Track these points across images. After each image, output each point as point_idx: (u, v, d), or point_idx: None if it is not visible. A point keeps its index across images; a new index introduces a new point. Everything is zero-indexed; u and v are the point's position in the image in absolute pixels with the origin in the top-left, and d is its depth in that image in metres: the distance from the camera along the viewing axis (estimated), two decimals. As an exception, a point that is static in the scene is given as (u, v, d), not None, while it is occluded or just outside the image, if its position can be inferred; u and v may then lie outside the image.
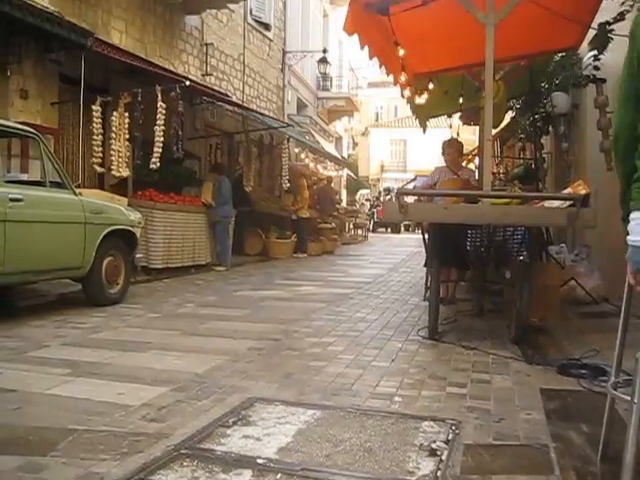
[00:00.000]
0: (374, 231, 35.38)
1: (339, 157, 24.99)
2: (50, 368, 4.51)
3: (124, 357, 4.96)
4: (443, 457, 2.96)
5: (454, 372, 4.63)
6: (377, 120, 57.84)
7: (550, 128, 11.49)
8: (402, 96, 8.82)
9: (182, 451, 2.98)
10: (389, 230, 36.93)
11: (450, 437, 3.22)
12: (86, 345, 5.35)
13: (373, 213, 36.48)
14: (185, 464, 2.84)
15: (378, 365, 4.82)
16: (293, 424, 3.38)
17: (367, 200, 41.46)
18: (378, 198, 38.68)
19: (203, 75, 14.74)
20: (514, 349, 5.37)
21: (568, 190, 5.27)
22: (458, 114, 12.11)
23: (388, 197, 29.42)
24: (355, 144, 48.62)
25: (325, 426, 3.36)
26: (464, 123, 12.69)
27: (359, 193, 41.72)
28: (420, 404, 3.82)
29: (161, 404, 3.72)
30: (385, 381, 4.36)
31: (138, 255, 8.39)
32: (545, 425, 3.45)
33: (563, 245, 9.42)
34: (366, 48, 6.42)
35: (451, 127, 13.38)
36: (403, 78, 7.20)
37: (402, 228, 36.64)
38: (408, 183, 29.78)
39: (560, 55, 9.87)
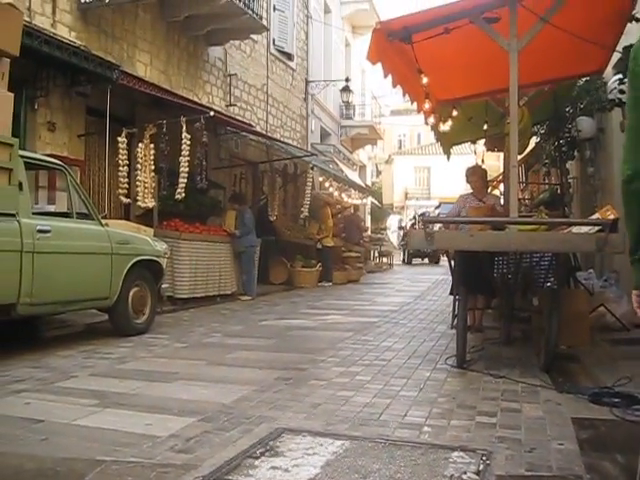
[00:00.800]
0: (409, 262, 31.42)
1: (363, 185, 25.02)
2: (78, 399, 4.52)
3: (151, 387, 4.96)
4: (475, 489, 2.90)
5: (483, 401, 4.57)
6: (400, 147, 58.02)
7: (575, 153, 11.44)
8: (426, 123, 8.82)
9: (210, 483, 2.95)
10: (426, 260, 31.55)
11: (481, 468, 3.16)
12: (113, 375, 5.36)
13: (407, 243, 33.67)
14: (213, 496, 2.81)
15: (406, 394, 4.77)
16: (321, 455, 3.34)
17: (400, 228, 38.68)
18: (414, 225, 34.30)
19: (227, 105, 14.88)
20: (544, 377, 5.28)
21: (596, 215, 5.22)
22: (482, 140, 12.09)
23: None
24: (379, 172, 48.72)
25: (353, 457, 3.31)
26: (488, 149, 12.66)
27: (389, 219, 41.01)
28: (450, 434, 3.76)
29: (189, 435, 3.70)
30: (414, 411, 4.30)
31: (164, 285, 8.42)
32: (578, 455, 3.38)
33: (591, 271, 9.30)
34: (389, 76, 6.45)
35: (475, 153, 13.37)
36: (427, 105, 7.20)
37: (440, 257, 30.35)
38: (435, 209, 29.81)
39: (584, 79, 9.84)
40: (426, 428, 3.89)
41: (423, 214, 29.34)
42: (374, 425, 3.95)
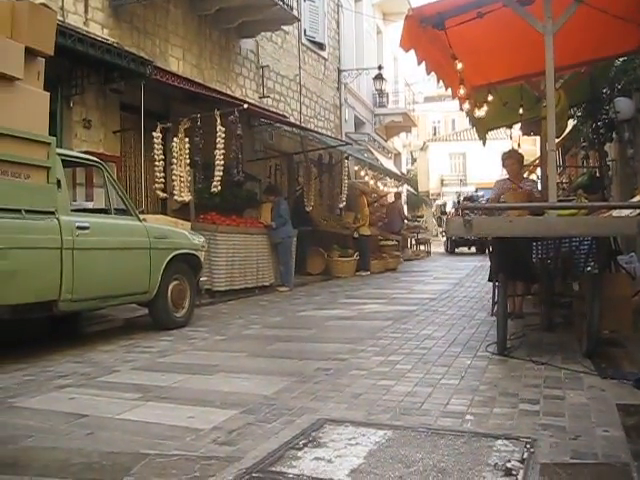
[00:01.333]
0: (452, 251, 28.82)
1: (398, 173, 24.91)
2: (120, 393, 4.58)
3: (192, 380, 5.00)
4: (519, 477, 2.87)
5: (525, 388, 4.52)
6: (435, 134, 57.66)
7: (614, 135, 11.23)
8: (461, 109, 8.73)
9: (254, 474, 2.97)
10: (473, 249, 27.94)
11: (525, 456, 3.12)
12: (155, 369, 5.42)
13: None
14: (257, 488, 2.83)
15: (447, 383, 4.74)
16: (364, 445, 3.34)
17: (442, 213, 35.25)
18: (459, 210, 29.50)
19: (260, 97, 14.91)
20: (586, 363, 5.20)
21: (637, 198, 5.12)
22: (518, 125, 11.94)
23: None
24: (414, 159, 48.49)
25: (396, 447, 3.30)
26: (524, 134, 12.50)
27: (435, 204, 40.12)
28: (492, 422, 3.73)
29: (231, 427, 3.72)
30: (455, 399, 4.27)
31: (202, 278, 8.48)
32: (625, 442, 3.32)
33: (633, 254, 9.14)
34: (423, 63, 6.39)
35: (511, 138, 13.19)
36: (462, 91, 7.12)
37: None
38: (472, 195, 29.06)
39: (622, 59, 9.65)
40: (468, 416, 3.86)
41: (470, 197, 27.36)
42: (416, 414, 3.94)
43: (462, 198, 30.28)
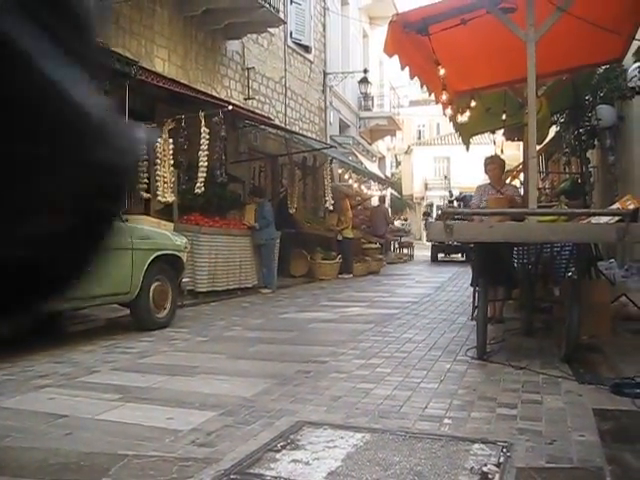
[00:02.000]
0: (435, 260, 24.66)
1: (382, 177, 24.97)
2: (100, 393, 4.57)
3: (172, 381, 5.00)
4: (495, 481, 2.91)
5: (504, 393, 4.56)
6: (420, 138, 57.84)
7: (596, 141, 11.35)
8: (444, 114, 8.80)
9: (232, 476, 2.98)
10: (464, 256, 22.81)
11: (501, 460, 3.16)
12: (135, 370, 5.41)
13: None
14: (234, 490, 2.84)
15: (427, 387, 4.77)
16: (342, 448, 3.36)
17: (426, 214, 32.50)
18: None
19: (245, 99, 14.91)
20: (565, 368, 5.25)
21: (617, 205, 5.18)
22: (502, 130, 12.03)
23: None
24: (398, 163, 48.61)
25: (374, 450, 3.33)
26: (508, 139, 12.59)
27: (424, 204, 40.03)
28: (470, 426, 3.77)
29: (210, 429, 3.73)
30: (434, 403, 4.30)
31: (185, 279, 8.47)
32: (599, 447, 3.37)
33: (613, 261, 9.25)
34: (407, 69, 6.44)
35: (495, 143, 13.27)
36: (445, 97, 7.18)
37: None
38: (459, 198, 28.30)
39: (604, 67, 9.76)
40: (446, 420, 3.90)
41: (463, 197, 24.06)
42: (394, 418, 3.96)
43: (454, 198, 27.86)
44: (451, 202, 27.44)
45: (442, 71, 6.56)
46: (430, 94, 7.85)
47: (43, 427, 3.77)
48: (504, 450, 3.30)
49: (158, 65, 11.43)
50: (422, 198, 51.71)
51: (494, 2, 5.62)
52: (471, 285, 7.74)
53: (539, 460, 3.19)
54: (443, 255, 24.95)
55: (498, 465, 3.09)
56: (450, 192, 30.17)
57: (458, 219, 5.48)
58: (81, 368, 5.46)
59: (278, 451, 3.32)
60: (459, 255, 24.04)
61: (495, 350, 6.07)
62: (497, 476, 2.95)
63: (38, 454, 3.31)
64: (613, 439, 3.49)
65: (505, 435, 3.56)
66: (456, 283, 14.50)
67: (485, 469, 3.04)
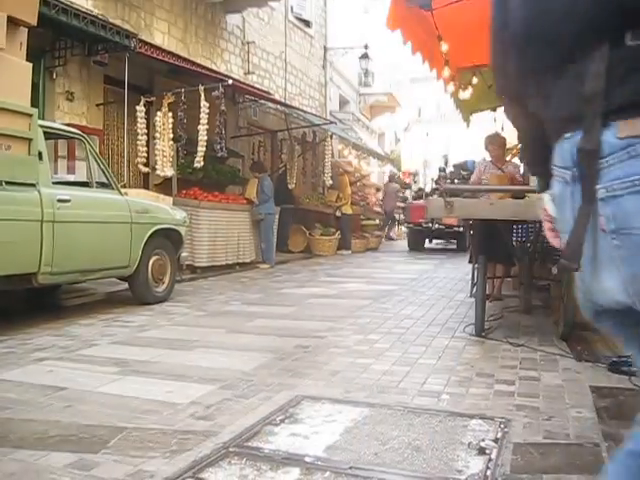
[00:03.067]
0: (417, 248, 18.22)
1: (382, 153, 24.88)
2: (99, 366, 4.58)
3: (171, 355, 5.01)
4: (492, 456, 2.92)
5: (502, 369, 4.57)
6: (420, 115, 57.51)
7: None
8: (445, 91, 8.74)
9: (230, 449, 2.99)
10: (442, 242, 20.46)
11: (499, 435, 3.17)
12: (134, 343, 5.42)
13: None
14: (233, 462, 2.85)
15: (425, 362, 4.79)
16: (340, 422, 3.37)
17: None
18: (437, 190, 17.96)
19: (245, 73, 14.82)
20: (562, 346, 5.28)
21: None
22: (502, 108, 11.96)
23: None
24: (398, 140, 48.40)
25: (372, 424, 3.34)
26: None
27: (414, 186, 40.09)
28: (468, 402, 3.78)
29: (209, 402, 3.74)
30: (432, 379, 4.32)
31: (183, 254, 8.47)
32: (596, 423, 3.38)
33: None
34: (409, 44, 6.38)
35: (495, 121, 13.20)
36: (447, 73, 7.13)
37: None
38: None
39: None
40: (445, 396, 3.91)
41: (462, 165, 18.35)
42: (393, 393, 3.98)
43: (451, 166, 22.75)
44: (443, 171, 22.15)
45: (445, 46, 6.52)
46: (432, 70, 7.79)
47: (42, 399, 3.78)
48: (502, 426, 3.31)
49: (158, 38, 11.33)
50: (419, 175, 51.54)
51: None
52: (469, 262, 7.73)
53: (536, 436, 3.21)
54: (429, 242, 19.39)
55: (496, 440, 3.10)
56: (445, 159, 25.08)
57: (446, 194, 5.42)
58: (80, 341, 5.46)
59: (277, 425, 3.33)
60: (450, 241, 19.65)
61: (493, 327, 6.09)
62: (495, 451, 2.97)
63: (38, 426, 3.32)
64: (609, 416, 3.51)
65: (503, 411, 3.58)
66: (454, 260, 14.52)
67: (483, 444, 3.05)
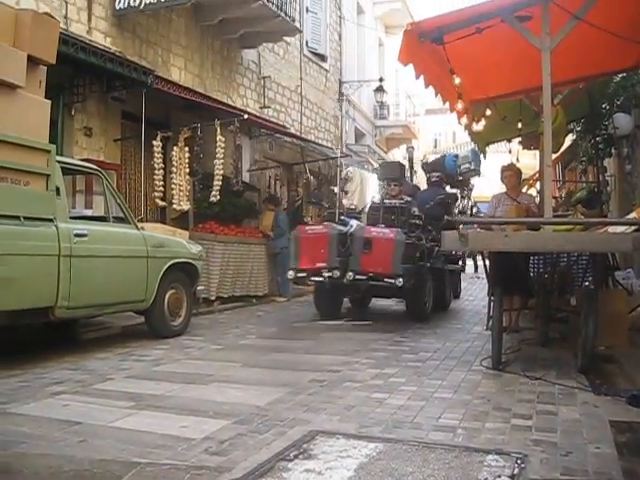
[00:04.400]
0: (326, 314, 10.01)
1: (398, 185, 24.86)
2: (114, 401, 4.58)
3: (186, 389, 5.00)
4: (509, 492, 2.88)
5: (519, 403, 4.53)
6: (436, 147, 57.59)
7: (613, 150, 11.26)
8: (459, 123, 8.78)
9: (243, 485, 2.97)
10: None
11: (516, 472, 3.13)
12: (149, 378, 5.42)
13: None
14: (247, 499, 2.83)
15: (441, 396, 4.75)
16: (355, 458, 3.34)
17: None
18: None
19: (261, 108, 14.93)
20: (581, 379, 5.22)
21: (633, 214, 5.14)
22: (518, 138, 11.97)
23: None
24: (415, 171, 48.50)
25: (387, 460, 3.31)
26: (524, 147, 12.53)
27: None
28: (484, 437, 3.74)
29: (223, 437, 3.73)
30: (448, 413, 4.28)
31: (200, 287, 8.48)
32: (616, 460, 3.34)
33: (630, 270, 9.15)
34: (421, 77, 6.43)
35: (510, 152, 13.21)
36: (460, 106, 7.16)
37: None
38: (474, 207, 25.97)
39: (620, 75, 9.69)
40: (460, 431, 3.87)
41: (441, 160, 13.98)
42: (408, 427, 3.95)
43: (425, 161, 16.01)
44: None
45: (457, 80, 6.55)
46: (445, 103, 7.83)
47: (57, 434, 3.78)
48: (518, 461, 3.27)
49: (174, 74, 11.48)
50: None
51: (509, 11, 5.60)
52: (488, 295, 7.67)
53: (554, 472, 3.17)
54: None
55: (512, 477, 3.07)
56: (410, 154, 20.37)
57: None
58: (95, 375, 5.47)
59: (290, 460, 3.31)
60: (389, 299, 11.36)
61: (510, 360, 6.04)
62: (511, 487, 2.93)
63: (52, 461, 3.32)
64: (629, 452, 3.46)
65: (520, 446, 3.54)
66: (471, 292, 14.42)
67: (499, 480, 3.01)
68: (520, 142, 12.08)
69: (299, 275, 8.95)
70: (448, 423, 4.04)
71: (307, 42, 17.92)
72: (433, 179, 11.19)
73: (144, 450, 3.48)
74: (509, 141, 12.91)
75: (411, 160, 14.37)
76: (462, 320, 9.45)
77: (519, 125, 9.87)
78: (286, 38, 15.31)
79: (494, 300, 6.18)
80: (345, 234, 8.74)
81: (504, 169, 7.79)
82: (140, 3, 9.95)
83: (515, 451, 3.43)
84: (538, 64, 5.56)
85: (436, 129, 56.92)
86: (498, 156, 17.61)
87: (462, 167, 11.39)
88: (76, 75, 9.09)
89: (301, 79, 17.42)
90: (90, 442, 3.64)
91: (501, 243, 5.22)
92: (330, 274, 8.47)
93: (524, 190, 9.58)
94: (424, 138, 49.61)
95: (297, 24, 14.75)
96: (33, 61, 5.74)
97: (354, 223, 9.12)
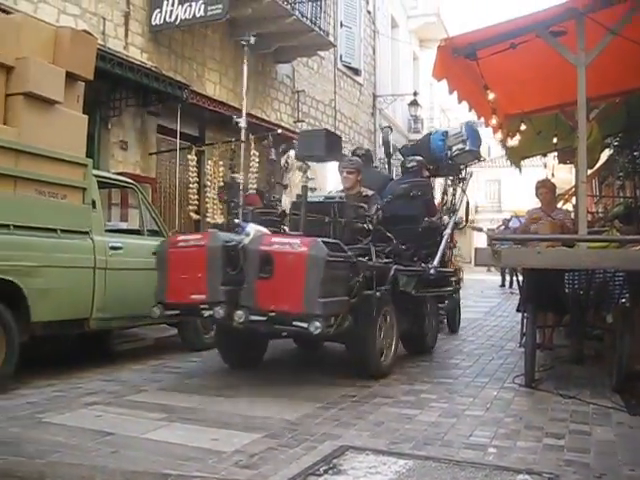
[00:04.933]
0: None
1: (431, 199, 24.77)
2: (146, 412, 4.62)
3: (218, 402, 5.02)
4: (540, 513, 2.85)
5: (551, 422, 4.47)
6: (470, 161, 57.30)
7: (651, 165, 11.10)
8: (494, 138, 8.74)
9: (273, 500, 2.98)
10: None
11: (547, 492, 3.10)
12: (181, 390, 5.46)
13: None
14: (275, 514, 2.84)
15: (472, 414, 4.71)
16: (384, 474, 3.33)
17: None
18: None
19: (295, 122, 15.03)
20: (616, 398, 5.13)
21: (670, 231, 5.07)
22: (553, 153, 11.87)
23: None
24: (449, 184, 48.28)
25: (417, 477, 3.30)
26: (560, 162, 12.40)
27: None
28: (515, 456, 3.70)
29: (253, 451, 3.74)
30: (479, 431, 4.25)
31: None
32: (650, 481, 3.28)
33: (668, 287, 9.00)
34: (455, 93, 6.43)
35: (545, 166, 13.08)
36: (494, 121, 7.14)
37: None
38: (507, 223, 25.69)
39: (659, 89, 9.57)
40: (491, 449, 3.84)
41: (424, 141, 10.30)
42: (438, 445, 3.92)
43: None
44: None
45: (491, 95, 6.54)
46: (479, 118, 7.82)
47: (90, 444, 3.82)
48: (550, 481, 3.23)
49: (209, 88, 11.61)
50: (472, 221, 51.09)
51: (544, 26, 5.58)
52: (517, 311, 7.59)
53: (586, 493, 3.13)
54: None
55: (543, 497, 3.03)
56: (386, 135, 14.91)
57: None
58: (129, 387, 5.52)
59: (320, 475, 3.31)
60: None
61: (544, 378, 5.97)
62: (542, 508, 2.89)
63: (84, 471, 3.36)
64: (665, 474, 3.40)
65: (551, 466, 3.49)
66: (505, 308, 14.28)
67: (530, 500, 2.97)
68: (557, 156, 11.97)
69: (168, 313, 5.75)
70: (479, 441, 4.00)
71: (341, 56, 18.01)
72: (409, 165, 8.01)
73: (175, 462, 3.50)
74: (544, 155, 12.82)
75: (387, 144, 10.09)
76: (495, 336, 9.35)
77: (554, 140, 9.79)
78: (320, 52, 15.42)
79: (527, 316, 6.13)
80: (236, 248, 5.44)
81: (538, 186, 7.71)
82: (176, 19, 10.11)
83: (547, 471, 3.39)
84: (573, 78, 5.53)
85: (471, 143, 56.67)
86: (533, 170, 17.51)
87: (454, 148, 8.21)
88: (113, 90, 9.25)
89: (335, 93, 17.51)
90: (122, 453, 3.67)
91: (534, 260, 5.18)
92: (211, 312, 5.32)
93: (560, 205, 9.47)
94: (458, 152, 49.37)
95: (331, 38, 14.88)
96: (71, 77, 5.88)
97: (251, 229, 5.72)
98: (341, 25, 17.74)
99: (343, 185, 7.25)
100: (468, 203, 8.55)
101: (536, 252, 5.27)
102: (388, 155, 9.93)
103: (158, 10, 10.20)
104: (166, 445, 3.86)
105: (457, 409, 4.85)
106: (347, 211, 6.38)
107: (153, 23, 10.17)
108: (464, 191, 8.30)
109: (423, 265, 6.94)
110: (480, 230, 11.84)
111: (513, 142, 8.83)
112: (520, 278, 6.97)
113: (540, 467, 3.47)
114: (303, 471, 3.37)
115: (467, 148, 7.98)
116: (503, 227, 12.96)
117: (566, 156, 11.10)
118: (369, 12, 20.43)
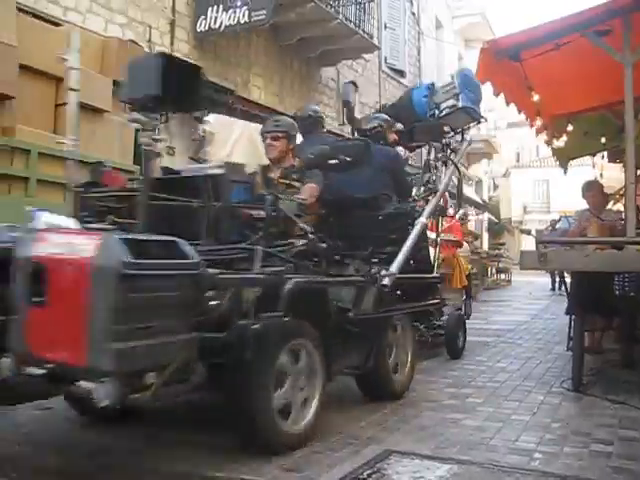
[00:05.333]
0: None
1: (479, 201, 24.62)
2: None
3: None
4: (586, 520, 2.82)
5: (599, 428, 4.41)
6: (518, 161, 56.69)
7: None
8: (537, 138, 8.66)
9: (316, 504, 3.00)
10: None
11: (594, 499, 3.06)
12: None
13: None
14: (319, 518, 2.86)
15: (518, 419, 4.67)
16: (428, 479, 3.33)
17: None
18: None
19: (340, 125, 15.04)
20: (666, 404, 5.04)
21: None
22: (602, 153, 11.67)
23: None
24: (496, 186, 47.82)
25: (461, 482, 3.29)
26: (610, 161, 12.18)
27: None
28: (562, 462, 3.66)
29: (298, 454, 3.76)
30: (525, 436, 4.21)
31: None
32: (702, 490, 3.22)
33: None
34: (501, 94, 6.38)
35: (594, 166, 12.83)
36: (539, 122, 7.06)
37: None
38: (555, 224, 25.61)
39: None
40: (537, 455, 3.81)
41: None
42: (483, 450, 3.90)
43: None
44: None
45: (536, 97, 6.47)
46: (527, 119, 7.75)
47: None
48: (597, 488, 3.19)
49: (254, 93, 11.72)
50: (520, 222, 50.47)
51: (588, 25, 5.50)
52: (566, 314, 7.49)
53: (634, 501, 3.08)
54: None
55: (590, 504, 2.99)
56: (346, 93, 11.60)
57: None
58: None
59: (364, 479, 3.32)
60: None
61: (592, 382, 5.88)
62: (588, 515, 2.86)
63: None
64: None
65: (599, 473, 3.45)
66: (554, 310, 14.07)
67: (576, 507, 2.94)
68: (607, 156, 11.76)
69: None
70: (525, 446, 3.97)
71: (386, 58, 17.99)
72: (368, 126, 6.22)
73: (221, 465, 3.55)
74: (593, 155, 12.61)
75: (348, 105, 7.44)
76: (543, 339, 9.24)
77: (602, 140, 9.63)
78: (364, 55, 15.41)
79: (575, 320, 6.05)
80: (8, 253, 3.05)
81: (585, 189, 7.58)
82: (220, 25, 10.23)
83: (594, 478, 3.35)
84: (620, 77, 5.43)
85: (518, 143, 56.07)
86: (582, 169, 17.22)
87: (442, 106, 6.35)
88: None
89: (380, 95, 17.47)
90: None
91: (581, 263, 5.11)
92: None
93: (610, 205, 9.29)
94: (506, 152, 48.95)
95: (375, 41, 14.86)
96: (119, 86, 5.99)
97: (41, 222, 3.47)
98: (385, 27, 17.73)
99: (266, 156, 5.41)
100: (460, 181, 6.95)
101: (583, 255, 5.19)
102: (351, 121, 7.29)
103: (203, 17, 10.34)
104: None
105: (503, 413, 4.81)
106: (226, 190, 4.04)
107: (198, 30, 10.31)
108: (455, 165, 6.44)
109: (372, 271, 4.68)
110: (529, 233, 11.64)
111: (559, 143, 8.72)
112: (568, 280, 6.87)
113: (587, 474, 3.43)
114: (347, 475, 3.38)
115: (460, 105, 6.28)
116: (550, 228, 12.74)
117: (615, 155, 10.92)
118: (413, 14, 20.36)
